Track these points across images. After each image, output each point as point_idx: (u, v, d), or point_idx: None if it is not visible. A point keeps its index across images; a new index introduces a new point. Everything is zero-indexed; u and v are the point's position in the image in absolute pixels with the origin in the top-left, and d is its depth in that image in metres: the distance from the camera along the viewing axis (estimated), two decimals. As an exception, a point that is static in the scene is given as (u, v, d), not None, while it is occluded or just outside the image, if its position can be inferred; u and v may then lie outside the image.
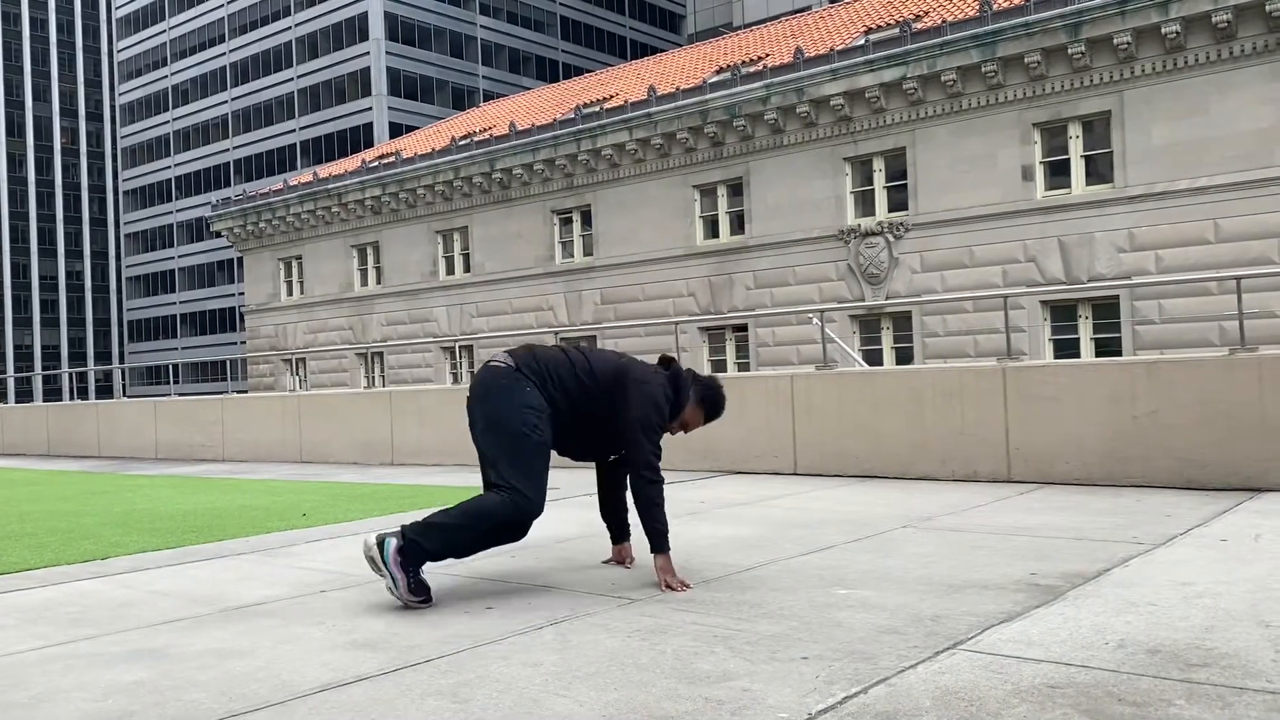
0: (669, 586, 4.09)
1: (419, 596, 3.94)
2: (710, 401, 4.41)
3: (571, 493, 7.37)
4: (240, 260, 48.42)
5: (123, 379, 73.02)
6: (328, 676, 3.11)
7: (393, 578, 3.89)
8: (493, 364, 4.19)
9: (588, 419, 4.19)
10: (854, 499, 7.05)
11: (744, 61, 29.04)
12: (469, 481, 9.20)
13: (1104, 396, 7.28)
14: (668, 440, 4.43)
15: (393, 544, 3.89)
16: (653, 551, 4.20)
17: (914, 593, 3.95)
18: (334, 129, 66.76)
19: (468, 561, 5.09)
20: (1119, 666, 2.91)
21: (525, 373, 4.11)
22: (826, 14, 31.65)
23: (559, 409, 4.11)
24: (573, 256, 30.21)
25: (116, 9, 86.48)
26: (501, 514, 3.94)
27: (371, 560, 3.93)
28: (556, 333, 17.76)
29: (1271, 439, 6.61)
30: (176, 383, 59.39)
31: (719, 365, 26.55)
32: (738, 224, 26.73)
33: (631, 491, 4.23)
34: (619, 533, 4.72)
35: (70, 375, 66.40)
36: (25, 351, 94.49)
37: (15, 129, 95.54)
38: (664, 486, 4.19)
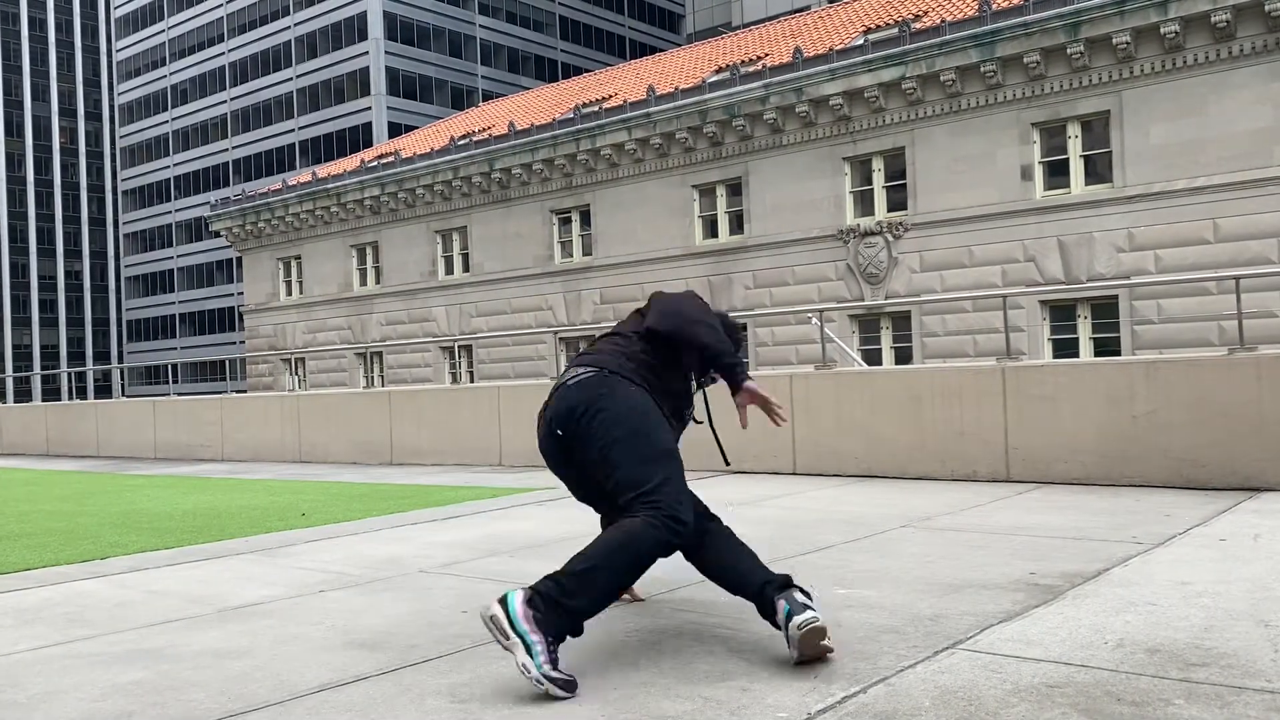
0: (769, 403, 3.45)
1: (564, 677, 2.82)
2: (731, 329, 3.74)
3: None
4: (239, 260, 48.43)
5: (121, 379, 72.96)
6: (327, 676, 3.10)
7: (527, 643, 2.80)
8: (573, 381, 3.34)
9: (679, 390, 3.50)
10: (853, 499, 7.05)
11: (743, 61, 29.04)
12: (468, 481, 9.20)
13: (1103, 396, 7.28)
14: None
15: (519, 596, 2.87)
16: (739, 384, 3.46)
17: (913, 592, 3.95)
18: (333, 129, 66.73)
19: (468, 561, 5.09)
20: (1118, 666, 2.91)
21: (611, 368, 3.34)
22: (825, 14, 31.66)
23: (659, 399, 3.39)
24: (572, 256, 30.20)
25: (115, 9, 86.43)
26: (640, 535, 3.04)
27: (493, 621, 2.86)
28: (555, 332, 17.75)
29: (1270, 438, 6.61)
30: (175, 383, 59.35)
31: (718, 365, 26.49)
32: (737, 224, 26.73)
33: (690, 337, 3.41)
34: None
35: (69, 375, 66.39)
36: (24, 351, 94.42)
37: (14, 129, 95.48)
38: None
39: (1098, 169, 21.42)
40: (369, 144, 61.11)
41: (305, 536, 6.18)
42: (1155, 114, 20.47)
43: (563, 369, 3.54)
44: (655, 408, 3.33)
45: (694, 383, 3.65)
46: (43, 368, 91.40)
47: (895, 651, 3.13)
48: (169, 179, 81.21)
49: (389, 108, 64.47)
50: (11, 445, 18.67)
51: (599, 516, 3.81)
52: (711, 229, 27.25)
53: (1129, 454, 7.11)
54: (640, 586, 4.15)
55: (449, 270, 33.36)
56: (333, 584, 4.61)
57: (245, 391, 38.72)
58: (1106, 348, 21.03)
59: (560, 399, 3.37)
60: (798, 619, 2.94)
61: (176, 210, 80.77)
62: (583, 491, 3.56)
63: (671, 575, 4.40)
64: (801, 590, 3.11)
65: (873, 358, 23.42)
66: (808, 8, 44.07)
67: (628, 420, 3.22)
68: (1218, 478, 6.73)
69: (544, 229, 30.72)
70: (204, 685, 3.06)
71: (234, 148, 74.66)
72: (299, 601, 4.25)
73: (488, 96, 65.51)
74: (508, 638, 2.80)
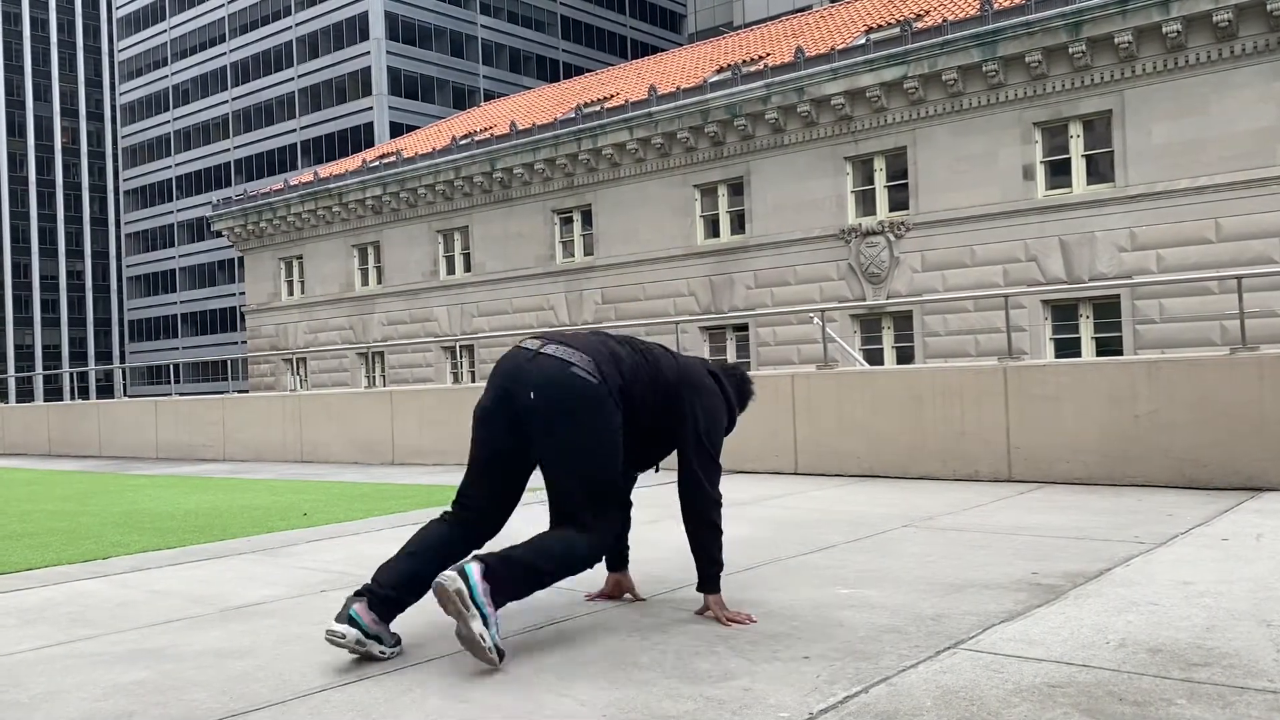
0: (733, 620, 3.54)
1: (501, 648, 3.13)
2: (743, 395, 3.93)
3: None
4: (241, 260, 48.48)
5: (123, 379, 73.00)
6: (329, 676, 3.10)
7: (484, 616, 3.03)
8: (574, 369, 3.33)
9: (645, 431, 3.59)
10: (854, 498, 7.05)
11: (745, 61, 29.03)
12: (470, 481, 9.19)
13: (1105, 396, 7.27)
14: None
15: (477, 571, 3.07)
16: (706, 591, 3.65)
17: (915, 592, 3.95)
18: (335, 129, 66.75)
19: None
20: (1120, 666, 2.90)
21: (610, 386, 3.38)
22: (827, 13, 31.65)
23: (628, 425, 3.49)
24: (573, 256, 30.20)
25: (117, 9, 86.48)
26: (582, 557, 3.34)
27: (457, 595, 3.01)
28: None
29: (1272, 438, 6.61)
30: (177, 382, 59.37)
31: (720, 365, 26.47)
32: (738, 223, 26.72)
33: (688, 514, 3.63)
34: (616, 559, 4.02)
35: (71, 375, 66.45)
36: (26, 351, 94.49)
37: (16, 129, 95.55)
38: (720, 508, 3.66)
39: (1100, 168, 21.41)
40: (370, 144, 61.11)
41: (307, 536, 6.18)
42: (1157, 113, 20.45)
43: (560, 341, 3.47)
44: (622, 431, 3.43)
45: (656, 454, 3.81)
46: (45, 368, 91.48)
47: (897, 651, 3.13)
48: (171, 179, 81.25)
49: (390, 108, 64.49)
50: (14, 445, 18.68)
51: (469, 507, 3.54)
52: (713, 229, 27.24)
53: (1131, 454, 7.10)
54: (642, 586, 4.15)
55: (450, 270, 33.36)
56: (335, 584, 4.61)
57: (247, 391, 38.75)
58: (1108, 347, 21.01)
59: (552, 371, 3.33)
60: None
61: (178, 210, 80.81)
62: (499, 464, 3.45)
63: (673, 575, 4.40)
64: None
65: (874, 357, 23.41)
66: (809, 7, 44.06)
67: (606, 441, 3.37)
68: (1219, 477, 6.72)
69: (545, 229, 30.71)
70: (206, 685, 3.06)
71: (235, 148, 74.69)
72: (301, 601, 4.25)
73: (489, 96, 65.51)
74: (468, 608, 2.99)
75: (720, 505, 3.64)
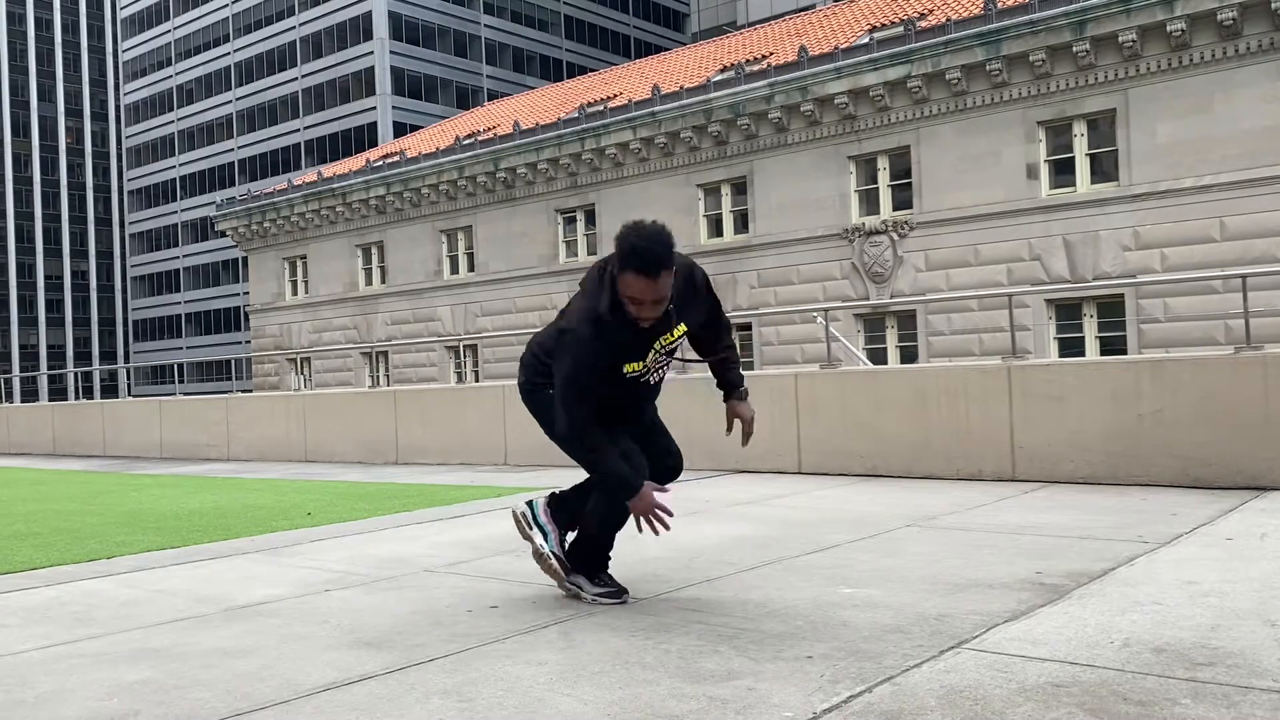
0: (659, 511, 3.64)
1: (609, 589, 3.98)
2: (625, 255, 3.34)
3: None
4: (245, 260, 48.54)
5: (128, 378, 73.06)
6: (332, 675, 3.11)
7: (544, 532, 4.01)
8: (523, 387, 4.04)
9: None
10: (858, 498, 7.05)
11: (748, 60, 29.02)
12: (474, 480, 9.20)
13: (1109, 395, 7.26)
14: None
15: (541, 499, 4.13)
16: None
17: (919, 592, 3.94)
18: (338, 129, 66.80)
19: (473, 560, 5.09)
20: (1124, 665, 2.90)
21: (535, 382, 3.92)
22: (830, 12, 31.62)
23: None
24: (577, 255, 30.19)
25: (121, 9, 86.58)
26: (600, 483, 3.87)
27: (522, 518, 4.07)
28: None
29: (1277, 437, 6.59)
30: (181, 382, 59.46)
31: (723, 364, 26.47)
32: (741, 223, 26.72)
33: None
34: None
35: (75, 375, 66.57)
36: (31, 351, 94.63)
37: (20, 129, 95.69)
38: (597, 452, 3.60)
39: (1104, 167, 21.37)
40: (374, 144, 61.13)
41: (311, 536, 6.18)
42: (1161, 112, 20.41)
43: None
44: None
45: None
46: (49, 367, 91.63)
47: (901, 651, 3.12)
48: (175, 179, 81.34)
49: (394, 107, 64.51)
50: (18, 445, 18.72)
51: None
52: (716, 228, 27.24)
53: (1135, 453, 7.09)
54: (644, 585, 4.15)
55: (454, 270, 33.37)
56: (338, 583, 4.61)
57: (251, 391, 38.78)
58: (1112, 346, 20.98)
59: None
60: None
61: (182, 210, 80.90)
62: None
63: (676, 574, 4.41)
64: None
65: (878, 357, 23.39)
66: (812, 6, 44.04)
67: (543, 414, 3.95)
68: (1224, 477, 6.71)
69: (549, 228, 30.72)
70: (210, 684, 3.06)
71: (239, 148, 74.77)
72: (304, 601, 4.26)
73: (493, 96, 65.50)
74: (530, 528, 4.02)
75: (579, 440, 3.64)
